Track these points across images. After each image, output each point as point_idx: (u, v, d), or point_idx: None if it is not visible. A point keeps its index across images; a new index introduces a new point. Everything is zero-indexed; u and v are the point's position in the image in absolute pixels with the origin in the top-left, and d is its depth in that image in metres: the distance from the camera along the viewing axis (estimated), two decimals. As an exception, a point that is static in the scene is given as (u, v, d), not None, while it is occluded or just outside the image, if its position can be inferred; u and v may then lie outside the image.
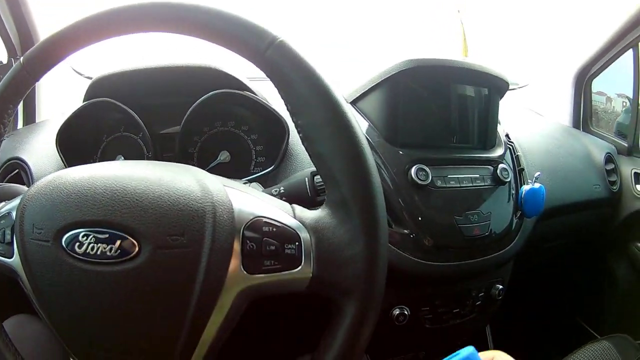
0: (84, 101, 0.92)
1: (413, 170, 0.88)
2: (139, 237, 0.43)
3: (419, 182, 0.87)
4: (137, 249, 0.42)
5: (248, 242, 0.45)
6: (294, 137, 0.88)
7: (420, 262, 0.89)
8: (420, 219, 0.88)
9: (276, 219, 0.46)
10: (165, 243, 0.42)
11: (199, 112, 0.87)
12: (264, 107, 0.88)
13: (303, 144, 0.49)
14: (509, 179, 0.99)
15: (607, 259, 1.58)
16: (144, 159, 0.91)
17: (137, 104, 0.89)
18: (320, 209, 0.48)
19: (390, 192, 0.88)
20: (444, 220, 0.90)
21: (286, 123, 0.87)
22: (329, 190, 0.48)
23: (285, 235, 0.46)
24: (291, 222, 0.47)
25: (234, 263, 0.44)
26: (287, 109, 0.48)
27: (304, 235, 0.47)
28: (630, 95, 1.55)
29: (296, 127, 0.48)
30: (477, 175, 0.96)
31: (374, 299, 0.47)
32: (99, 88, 0.91)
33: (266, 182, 0.84)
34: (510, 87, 1.75)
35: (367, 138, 0.90)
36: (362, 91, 0.94)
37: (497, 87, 1.03)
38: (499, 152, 1.03)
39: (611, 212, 1.47)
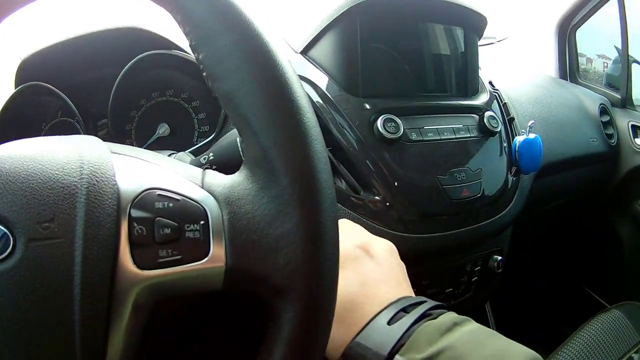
0: (15, 87, 0.77)
1: (380, 121, 0.69)
2: (12, 227, 0.29)
3: (388, 135, 0.68)
4: (11, 243, 0.29)
5: (136, 224, 0.31)
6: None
7: (399, 235, 0.70)
8: (394, 182, 0.69)
9: (174, 189, 0.32)
10: (37, 233, 0.29)
11: (130, 82, 0.73)
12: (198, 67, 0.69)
13: (208, 85, 0.35)
14: (498, 129, 0.79)
15: (609, 220, 1.42)
16: None
17: (68, 83, 0.76)
18: (237, 172, 0.35)
19: (355, 152, 0.69)
20: (424, 181, 0.71)
21: None
22: (245, 144, 0.34)
23: (186, 211, 0.32)
24: (196, 192, 0.33)
25: (123, 255, 0.30)
26: (190, 46, 0.35)
27: (213, 209, 0.33)
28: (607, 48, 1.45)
29: (198, 64, 0.35)
30: (461, 125, 0.77)
31: (321, 298, 0.33)
32: (30, 69, 0.75)
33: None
34: (487, 41, 1.60)
35: (323, 92, 0.72)
36: (313, 36, 0.75)
37: (473, 24, 0.84)
38: (483, 98, 0.84)
39: (611, 168, 1.31)
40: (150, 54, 0.71)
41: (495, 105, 0.87)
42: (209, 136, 0.74)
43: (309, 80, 0.73)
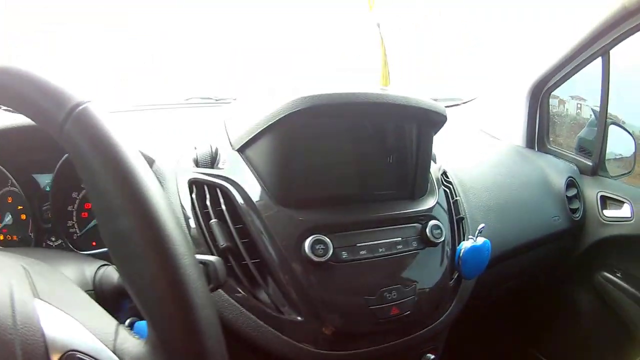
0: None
1: (307, 243, 0.62)
2: None
3: (315, 258, 0.61)
4: None
5: None
6: (172, 194, 0.71)
7: (321, 354, 0.65)
8: (319, 303, 0.62)
9: (90, 354, 0.34)
10: None
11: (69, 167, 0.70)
12: None
13: None
14: (441, 239, 0.72)
15: (568, 291, 1.34)
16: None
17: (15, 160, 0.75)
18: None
19: (278, 270, 0.64)
20: (349, 302, 0.65)
21: None
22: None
23: None
24: (107, 358, 0.35)
25: None
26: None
27: None
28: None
29: None
30: (399, 239, 0.70)
31: None
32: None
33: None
34: (454, 102, 1.52)
35: (250, 199, 0.65)
36: (249, 136, 0.67)
37: (429, 121, 0.76)
38: (429, 202, 0.77)
39: (572, 243, 1.22)
40: None
41: (443, 202, 0.80)
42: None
43: (237, 184, 0.66)
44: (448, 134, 0.99)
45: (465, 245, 0.77)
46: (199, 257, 0.43)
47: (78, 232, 0.76)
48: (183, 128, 0.87)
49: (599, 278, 1.24)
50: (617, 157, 1.34)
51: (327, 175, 0.69)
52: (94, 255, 0.58)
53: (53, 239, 0.76)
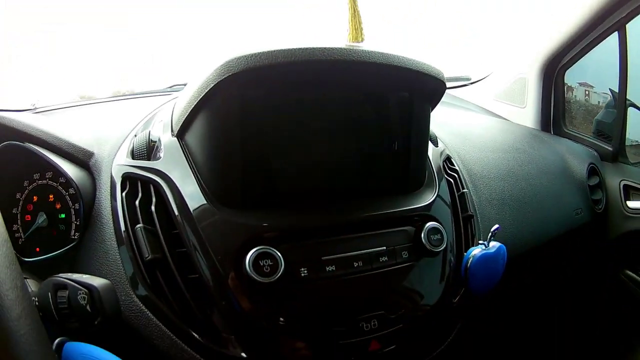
0: None
1: (249, 257, 0.42)
2: None
3: (259, 278, 0.41)
4: None
5: None
6: (104, 191, 0.55)
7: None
8: (266, 336, 0.42)
9: None
10: None
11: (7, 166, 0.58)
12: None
13: None
14: (441, 247, 0.52)
15: (590, 290, 1.15)
16: None
17: None
18: None
19: (213, 292, 0.43)
20: (309, 336, 0.45)
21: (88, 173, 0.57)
22: None
23: None
24: None
25: None
26: None
27: None
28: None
29: None
30: (382, 248, 0.50)
31: None
32: None
33: (77, 257, 0.54)
34: (461, 83, 1.30)
35: (183, 198, 0.46)
36: (184, 116, 0.48)
37: (424, 91, 0.55)
38: (427, 197, 0.56)
39: (592, 239, 1.03)
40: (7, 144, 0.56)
41: (446, 196, 0.59)
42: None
43: (170, 179, 0.47)
44: (452, 114, 0.79)
45: (475, 253, 0.57)
46: (83, 278, 0.37)
47: (23, 237, 0.59)
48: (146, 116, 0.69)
49: (621, 277, 1.06)
50: (634, 143, 1.16)
51: (281, 164, 0.49)
52: (38, 263, 0.52)
53: None
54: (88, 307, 0.37)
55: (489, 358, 1.01)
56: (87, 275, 0.39)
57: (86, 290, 0.37)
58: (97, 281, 0.38)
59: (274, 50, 0.44)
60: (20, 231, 0.61)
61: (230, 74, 0.43)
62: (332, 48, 0.46)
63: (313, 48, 0.45)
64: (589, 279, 1.13)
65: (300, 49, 0.44)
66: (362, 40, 0.49)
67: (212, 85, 0.43)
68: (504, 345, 1.05)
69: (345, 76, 0.49)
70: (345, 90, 0.50)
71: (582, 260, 1.06)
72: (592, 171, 1.02)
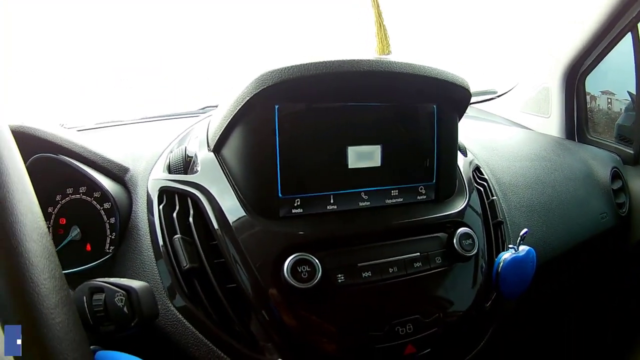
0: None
1: (287, 264, 0.42)
2: None
3: (297, 284, 0.41)
4: None
5: None
6: (141, 205, 0.55)
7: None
8: (304, 342, 0.42)
9: None
10: None
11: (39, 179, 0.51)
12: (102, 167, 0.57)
13: None
14: (472, 252, 0.51)
15: (614, 300, 1.10)
16: None
17: None
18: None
19: (252, 299, 0.44)
20: (347, 341, 0.45)
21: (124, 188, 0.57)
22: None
23: None
24: None
25: None
26: None
27: None
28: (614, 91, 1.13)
29: None
30: (417, 254, 0.49)
31: None
32: None
33: (112, 270, 0.53)
34: (488, 96, 1.29)
35: (221, 210, 0.46)
36: (220, 130, 0.48)
37: (450, 98, 0.54)
38: (458, 205, 0.55)
39: (616, 243, 0.99)
40: (40, 157, 0.54)
41: (476, 204, 0.59)
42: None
43: (209, 192, 0.47)
44: (479, 127, 0.78)
45: (505, 257, 0.55)
46: (121, 281, 0.36)
47: (54, 250, 0.58)
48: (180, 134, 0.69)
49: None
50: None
51: (317, 174, 0.49)
52: (71, 277, 0.50)
53: None
54: (125, 309, 0.36)
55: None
56: (124, 279, 0.38)
57: (124, 292, 0.36)
58: (135, 283, 0.37)
59: (305, 64, 0.45)
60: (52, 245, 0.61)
61: (263, 87, 0.43)
62: (360, 60, 0.46)
63: (342, 60, 0.45)
64: (614, 283, 1.09)
65: (330, 61, 0.45)
66: (389, 53, 0.48)
67: (247, 99, 0.43)
68: (535, 349, 1.02)
69: (375, 87, 0.49)
70: (375, 100, 0.50)
71: (608, 264, 1.03)
72: (615, 175, 1.00)
